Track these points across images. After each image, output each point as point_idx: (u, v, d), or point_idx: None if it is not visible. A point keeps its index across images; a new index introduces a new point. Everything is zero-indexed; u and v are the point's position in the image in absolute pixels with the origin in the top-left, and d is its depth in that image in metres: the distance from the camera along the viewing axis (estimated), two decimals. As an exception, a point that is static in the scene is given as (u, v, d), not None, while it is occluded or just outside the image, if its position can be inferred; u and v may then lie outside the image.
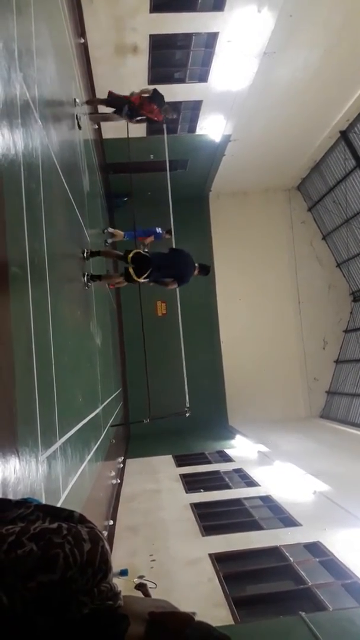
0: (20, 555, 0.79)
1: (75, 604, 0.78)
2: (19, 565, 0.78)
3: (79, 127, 6.25)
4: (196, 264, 6.56)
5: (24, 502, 0.98)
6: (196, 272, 6.58)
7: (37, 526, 0.86)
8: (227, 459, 11.59)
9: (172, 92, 11.38)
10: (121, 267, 7.26)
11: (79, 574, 0.80)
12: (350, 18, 9.32)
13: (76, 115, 5.96)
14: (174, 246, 10.28)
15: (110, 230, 11.70)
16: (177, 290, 10.99)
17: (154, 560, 6.14)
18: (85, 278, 6.15)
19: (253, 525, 7.14)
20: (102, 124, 11.83)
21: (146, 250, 6.66)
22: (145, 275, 6.20)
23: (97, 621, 0.77)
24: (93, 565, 0.82)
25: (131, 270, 6.18)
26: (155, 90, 8.10)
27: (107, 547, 0.87)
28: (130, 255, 6.19)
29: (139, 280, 6.25)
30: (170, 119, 8.56)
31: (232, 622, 4.59)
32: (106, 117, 8.74)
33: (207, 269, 6.78)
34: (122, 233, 11.54)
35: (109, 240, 11.48)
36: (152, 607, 0.83)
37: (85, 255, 6.27)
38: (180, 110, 7.82)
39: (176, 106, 8.04)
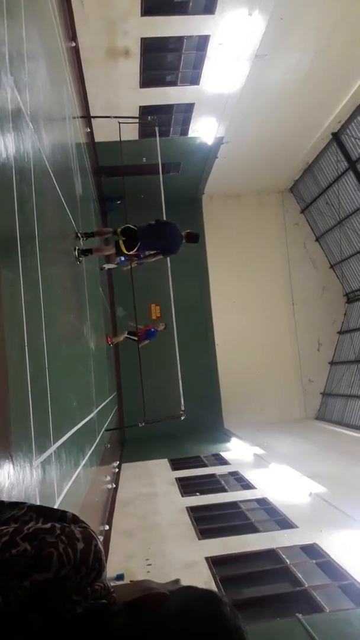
0: (14, 554, 0.79)
1: (69, 603, 0.78)
2: (13, 565, 0.78)
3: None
4: (183, 233, 6.72)
5: (17, 504, 0.98)
6: (184, 240, 6.74)
7: (30, 526, 0.86)
8: (222, 462, 11.57)
9: (164, 95, 11.46)
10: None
11: (73, 573, 0.80)
12: (341, 21, 9.39)
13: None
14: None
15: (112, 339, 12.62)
16: (171, 292, 10.99)
17: (150, 564, 6.12)
18: (77, 252, 6.26)
19: (249, 528, 7.13)
20: (95, 127, 11.88)
21: (135, 225, 6.80)
22: (135, 249, 6.57)
23: (90, 620, 0.77)
24: (87, 564, 0.82)
25: (121, 242, 6.54)
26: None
27: (101, 546, 0.87)
28: (120, 229, 6.60)
29: (128, 253, 6.68)
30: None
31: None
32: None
33: (195, 237, 6.82)
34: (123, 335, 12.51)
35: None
36: (134, 592, 0.82)
37: (79, 235, 6.50)
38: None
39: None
